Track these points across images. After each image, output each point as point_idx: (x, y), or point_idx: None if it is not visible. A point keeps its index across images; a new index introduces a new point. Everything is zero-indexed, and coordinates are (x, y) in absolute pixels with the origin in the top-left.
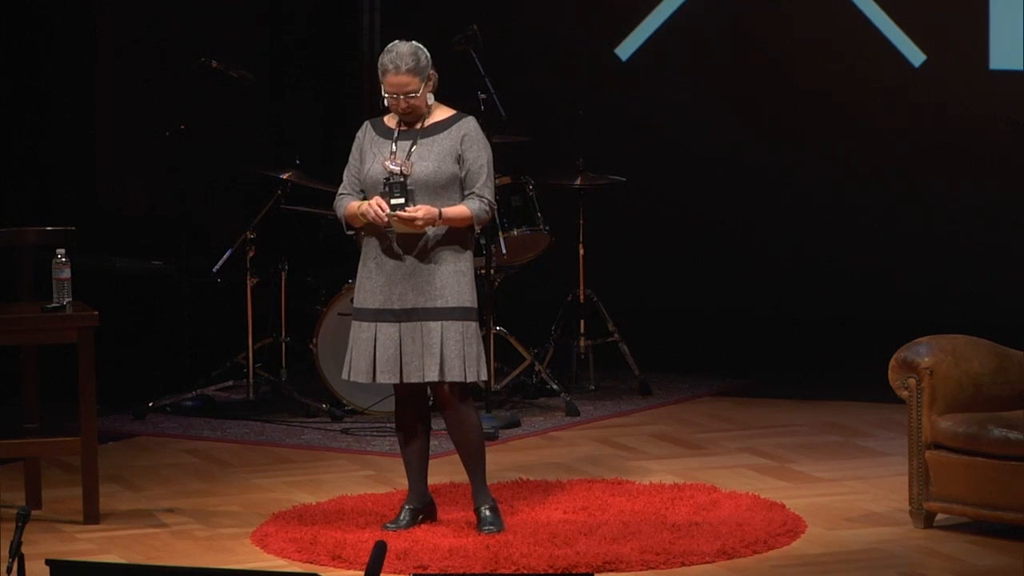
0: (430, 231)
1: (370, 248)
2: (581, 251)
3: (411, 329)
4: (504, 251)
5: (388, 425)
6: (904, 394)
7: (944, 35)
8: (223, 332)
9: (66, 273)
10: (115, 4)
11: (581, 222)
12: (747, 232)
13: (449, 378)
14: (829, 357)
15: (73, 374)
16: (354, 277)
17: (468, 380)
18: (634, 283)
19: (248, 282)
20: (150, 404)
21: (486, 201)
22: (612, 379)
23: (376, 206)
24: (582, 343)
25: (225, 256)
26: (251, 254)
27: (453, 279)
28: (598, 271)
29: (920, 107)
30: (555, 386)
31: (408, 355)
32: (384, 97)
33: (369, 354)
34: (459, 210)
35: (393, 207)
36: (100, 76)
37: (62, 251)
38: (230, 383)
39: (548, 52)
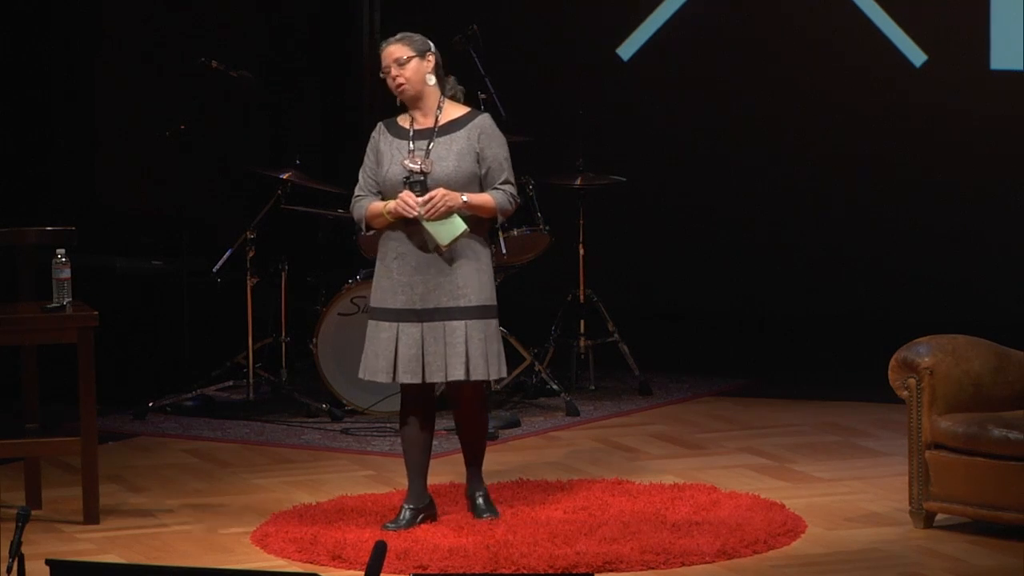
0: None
1: (390, 247)
2: (581, 251)
3: (433, 329)
4: (504, 251)
5: (388, 425)
6: (904, 394)
7: (945, 35)
8: (223, 332)
9: (66, 273)
10: (116, 4)
11: (581, 222)
12: (747, 232)
13: (474, 377)
14: (829, 357)
15: (73, 374)
16: (353, 277)
17: (492, 378)
18: (634, 283)
19: (248, 282)
20: (150, 404)
21: (509, 193)
22: (612, 379)
23: (407, 200)
24: (582, 343)
25: (225, 256)
26: (251, 254)
27: (475, 277)
28: (598, 271)
29: (921, 107)
30: (555, 386)
31: (430, 355)
32: (384, 79)
33: (390, 354)
34: (483, 198)
35: None
36: (100, 76)
37: (62, 251)
38: (230, 383)
39: (549, 52)
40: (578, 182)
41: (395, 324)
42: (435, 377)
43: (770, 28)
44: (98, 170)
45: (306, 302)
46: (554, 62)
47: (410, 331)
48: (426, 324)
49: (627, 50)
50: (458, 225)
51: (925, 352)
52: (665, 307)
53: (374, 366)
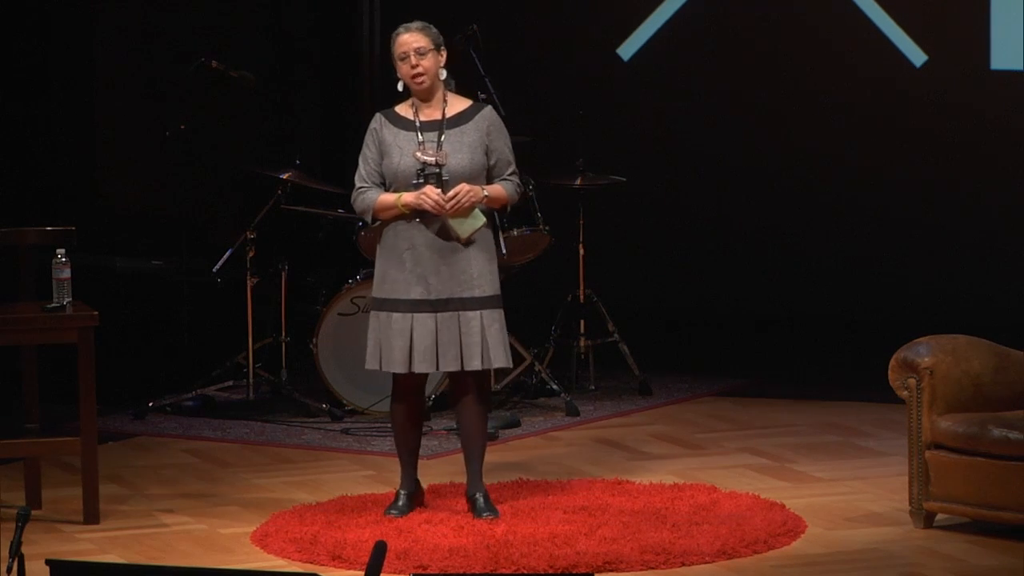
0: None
1: (401, 239)
2: (581, 251)
3: (447, 319)
4: (504, 251)
5: (388, 425)
6: (904, 394)
7: (945, 35)
8: (223, 332)
9: (66, 273)
10: (115, 4)
11: (581, 222)
12: (747, 232)
13: (494, 365)
14: (829, 357)
15: (73, 374)
16: (353, 277)
17: (506, 366)
18: (634, 283)
19: (248, 282)
20: (150, 404)
21: (516, 182)
22: (612, 379)
23: (432, 196)
24: (582, 343)
25: (225, 256)
26: (251, 254)
27: (487, 267)
28: (598, 271)
29: (921, 107)
30: (555, 386)
31: (444, 344)
32: (398, 67)
33: (405, 344)
34: (498, 190)
35: None
36: (100, 76)
37: (62, 251)
38: (230, 383)
39: (549, 52)
40: (578, 182)
41: (409, 315)
42: (450, 366)
43: (770, 28)
44: (98, 170)
45: (306, 302)
46: (554, 62)
47: (424, 321)
48: (440, 314)
49: (627, 50)
50: (479, 218)
51: (925, 352)
52: (665, 307)
53: (389, 356)
